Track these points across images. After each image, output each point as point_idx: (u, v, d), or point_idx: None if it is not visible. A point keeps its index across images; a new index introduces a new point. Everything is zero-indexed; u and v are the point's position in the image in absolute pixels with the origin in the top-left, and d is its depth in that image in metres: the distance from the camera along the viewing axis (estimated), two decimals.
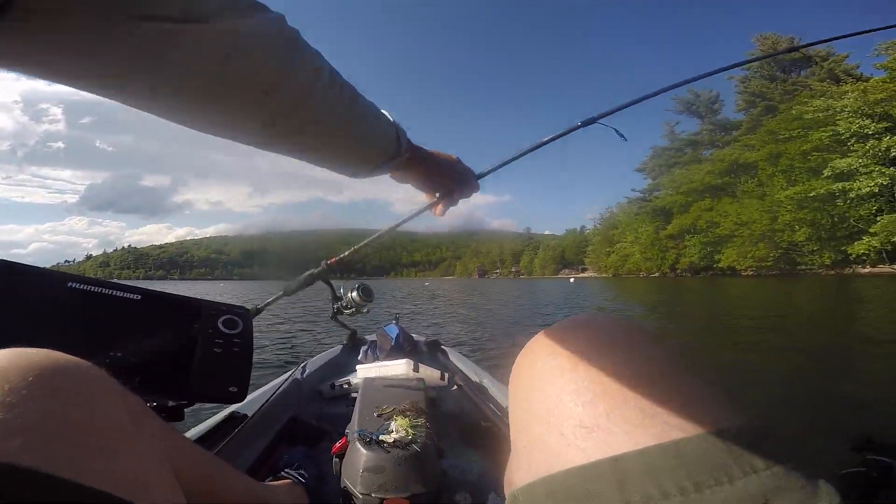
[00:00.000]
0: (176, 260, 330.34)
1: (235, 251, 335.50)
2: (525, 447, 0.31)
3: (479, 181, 0.85)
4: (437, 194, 0.79)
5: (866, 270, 33.59)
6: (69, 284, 0.63)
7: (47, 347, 0.35)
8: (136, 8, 0.30)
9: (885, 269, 32.42)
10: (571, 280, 53.81)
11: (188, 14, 0.33)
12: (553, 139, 1.00)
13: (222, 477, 0.59)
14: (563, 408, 0.29)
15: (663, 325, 6.95)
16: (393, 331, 1.87)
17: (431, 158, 0.72)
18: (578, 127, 1.01)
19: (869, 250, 32.90)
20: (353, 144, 0.56)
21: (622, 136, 1.04)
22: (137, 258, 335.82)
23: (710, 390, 0.28)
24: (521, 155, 0.99)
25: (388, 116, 0.61)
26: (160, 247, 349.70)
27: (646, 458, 0.25)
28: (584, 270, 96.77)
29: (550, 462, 0.28)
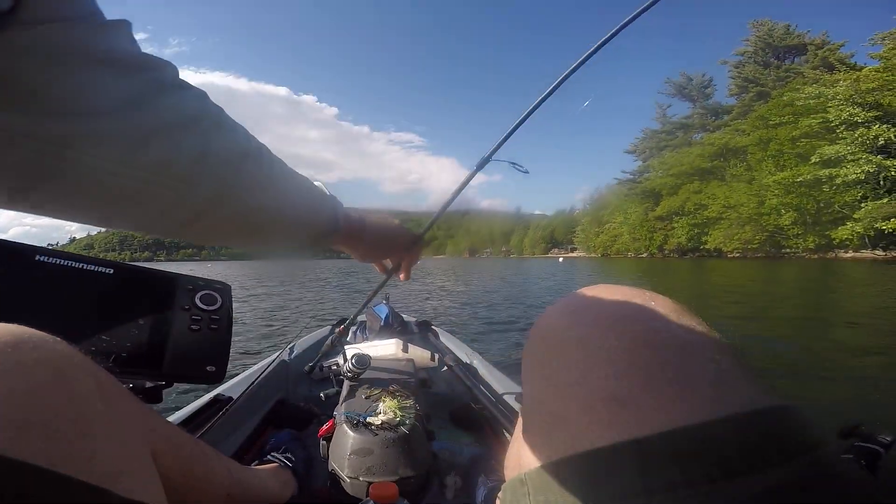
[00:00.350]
0: (162, 241, 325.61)
1: None
2: (544, 424, 0.29)
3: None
4: (390, 267, 0.84)
5: (848, 255, 34.29)
6: (37, 258, 0.61)
7: (10, 323, 0.33)
8: (33, 109, 0.27)
9: (866, 254, 33.13)
10: (560, 259, 54.28)
11: (94, 107, 0.29)
12: (459, 190, 1.01)
13: (204, 461, 0.58)
14: (592, 379, 0.26)
15: None
16: (383, 311, 1.85)
17: (372, 228, 0.68)
18: (475, 171, 0.99)
19: (852, 235, 33.47)
20: (285, 224, 0.51)
21: (522, 169, 1.00)
22: (122, 240, 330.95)
23: (742, 369, 0.26)
24: (442, 210, 1.02)
25: (324, 189, 0.57)
26: None
27: (672, 440, 0.23)
28: (573, 250, 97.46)
29: (575, 439, 0.26)
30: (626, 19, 0.93)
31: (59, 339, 0.34)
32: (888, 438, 0.77)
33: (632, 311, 0.29)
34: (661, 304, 0.30)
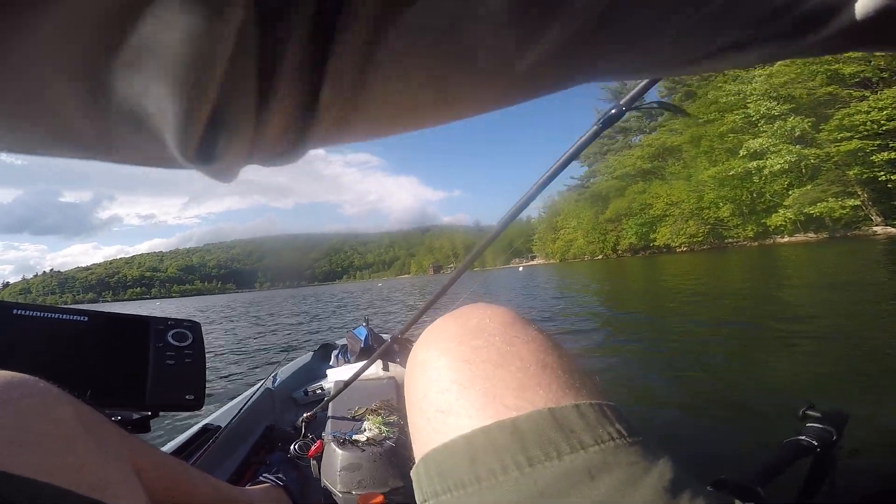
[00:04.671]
0: (107, 281, 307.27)
1: (173, 267, 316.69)
2: (411, 433, 0.35)
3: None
4: None
5: (785, 240, 36.59)
6: (14, 311, 0.66)
7: None
8: None
9: (800, 237, 35.51)
10: (520, 269, 55.06)
11: None
12: (578, 151, 0.73)
13: (186, 478, 0.63)
14: (428, 396, 0.32)
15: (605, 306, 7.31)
16: (362, 333, 1.92)
17: None
18: (602, 128, 0.70)
19: (785, 222, 35.92)
20: None
21: (681, 111, 0.74)
22: (62, 282, 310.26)
23: (555, 373, 0.30)
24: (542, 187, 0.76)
25: None
26: (87, 268, 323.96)
27: (490, 435, 0.27)
28: (533, 258, 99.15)
29: (422, 444, 0.32)
30: None
31: (38, 378, 0.39)
32: (836, 415, 0.83)
33: (463, 332, 0.34)
34: (495, 321, 0.35)
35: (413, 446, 0.34)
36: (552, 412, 0.27)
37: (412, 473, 0.32)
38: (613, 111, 0.66)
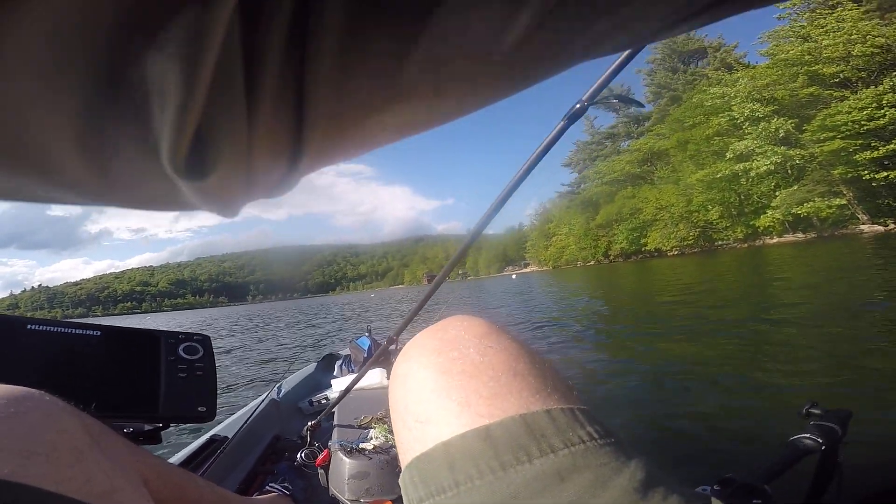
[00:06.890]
0: (96, 296, 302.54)
1: (164, 281, 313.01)
2: (396, 443, 0.36)
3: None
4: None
5: (774, 241, 36.96)
6: (28, 327, 0.67)
7: (8, 384, 0.39)
8: None
9: (789, 237, 35.85)
10: (513, 277, 55.11)
11: None
12: (544, 151, 0.73)
13: (195, 487, 0.64)
14: (408, 407, 0.33)
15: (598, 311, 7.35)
16: (365, 343, 1.94)
17: None
18: (568, 125, 0.70)
19: (773, 222, 36.23)
20: None
21: (637, 103, 0.78)
22: (51, 297, 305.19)
23: (527, 380, 0.31)
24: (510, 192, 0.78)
25: None
26: (76, 283, 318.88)
27: (465, 442, 0.28)
28: (526, 266, 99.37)
29: (405, 452, 0.33)
30: None
31: (42, 392, 0.41)
32: (839, 413, 0.85)
33: (441, 345, 0.35)
34: (470, 332, 0.36)
35: (399, 455, 0.35)
36: (524, 418, 0.28)
37: (399, 482, 0.33)
38: (577, 106, 0.65)
